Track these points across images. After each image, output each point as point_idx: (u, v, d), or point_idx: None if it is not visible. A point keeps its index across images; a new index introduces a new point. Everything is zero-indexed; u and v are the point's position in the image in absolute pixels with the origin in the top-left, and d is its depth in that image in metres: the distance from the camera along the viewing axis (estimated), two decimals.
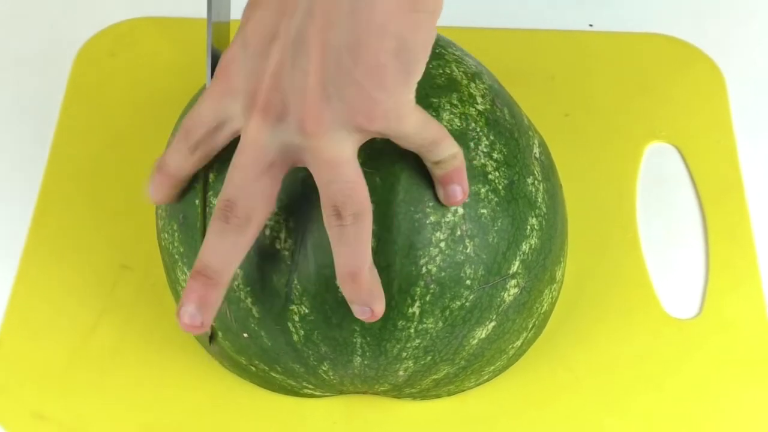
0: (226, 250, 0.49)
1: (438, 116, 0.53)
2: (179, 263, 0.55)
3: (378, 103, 0.46)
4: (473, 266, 0.52)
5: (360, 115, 0.46)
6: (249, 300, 0.52)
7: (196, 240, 0.53)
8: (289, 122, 0.47)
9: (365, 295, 0.49)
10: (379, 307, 0.49)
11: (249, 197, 0.48)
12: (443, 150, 0.50)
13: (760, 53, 0.77)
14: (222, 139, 0.51)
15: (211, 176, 0.53)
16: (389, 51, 0.45)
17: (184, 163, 0.52)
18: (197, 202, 0.53)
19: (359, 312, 0.50)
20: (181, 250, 0.55)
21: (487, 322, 0.54)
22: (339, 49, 0.45)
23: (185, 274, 0.55)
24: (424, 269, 0.51)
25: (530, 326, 0.57)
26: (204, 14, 0.77)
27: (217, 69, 0.49)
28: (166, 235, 0.56)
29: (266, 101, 0.47)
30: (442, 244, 0.51)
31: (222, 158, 0.52)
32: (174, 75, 0.73)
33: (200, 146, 0.51)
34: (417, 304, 0.51)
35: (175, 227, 0.55)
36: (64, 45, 0.75)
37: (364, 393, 0.58)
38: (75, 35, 0.76)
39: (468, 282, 0.52)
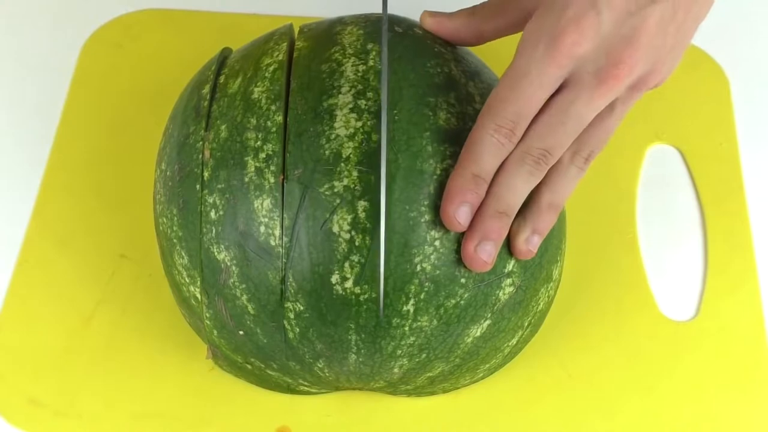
0: (525, 190, 0.51)
1: (435, 115, 0.53)
2: (177, 247, 0.55)
3: (674, 64, 0.51)
4: None
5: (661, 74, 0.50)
6: (244, 297, 0.52)
7: (196, 225, 0.54)
8: (640, 84, 0.50)
9: (547, 226, 0.53)
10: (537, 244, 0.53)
11: (562, 149, 0.51)
12: None
13: (765, 56, 0.76)
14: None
15: (206, 174, 0.53)
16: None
17: (501, 159, 0.51)
18: (197, 187, 0.54)
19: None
20: (180, 234, 0.55)
21: (482, 321, 0.54)
22: (687, 15, 0.49)
23: (183, 258, 0.55)
24: (418, 267, 0.51)
25: (526, 325, 0.57)
26: (209, 8, 0.78)
27: (566, 26, 0.48)
28: (164, 220, 0.56)
29: (633, 65, 0.48)
30: (437, 243, 0.51)
31: (216, 156, 0.53)
32: (180, 67, 0.73)
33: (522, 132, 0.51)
34: (411, 301, 0.51)
35: (174, 212, 0.55)
36: (71, 36, 0.76)
37: (360, 389, 0.59)
38: (82, 26, 0.76)
39: (463, 280, 0.52)
